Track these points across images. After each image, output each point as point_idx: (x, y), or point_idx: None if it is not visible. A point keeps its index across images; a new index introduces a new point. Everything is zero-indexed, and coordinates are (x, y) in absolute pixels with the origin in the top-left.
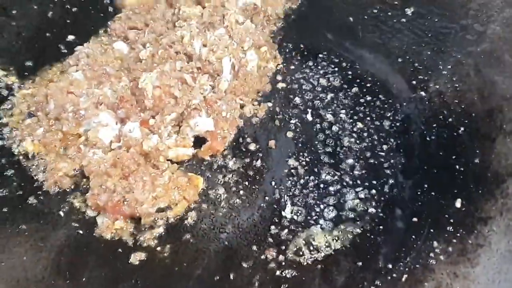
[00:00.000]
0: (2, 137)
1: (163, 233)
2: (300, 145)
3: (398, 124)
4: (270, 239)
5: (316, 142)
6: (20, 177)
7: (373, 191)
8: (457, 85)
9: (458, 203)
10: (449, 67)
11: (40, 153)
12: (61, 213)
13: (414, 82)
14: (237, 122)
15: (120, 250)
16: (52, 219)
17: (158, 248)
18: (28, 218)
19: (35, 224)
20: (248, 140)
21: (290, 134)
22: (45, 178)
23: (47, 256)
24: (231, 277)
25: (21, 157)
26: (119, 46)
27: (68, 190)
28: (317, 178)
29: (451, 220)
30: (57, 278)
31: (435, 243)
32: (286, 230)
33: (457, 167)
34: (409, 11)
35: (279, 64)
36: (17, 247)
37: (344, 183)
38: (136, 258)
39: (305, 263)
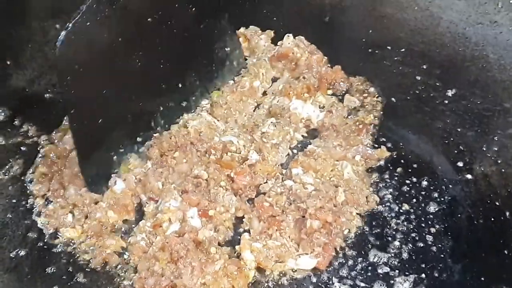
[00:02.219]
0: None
1: None
2: None
3: (444, 206)
4: None
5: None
6: (68, 255)
7: (423, 275)
8: (502, 168)
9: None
10: (494, 149)
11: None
12: None
13: (459, 164)
14: None
15: None
16: None
17: None
18: None
19: None
20: None
21: None
22: (93, 256)
23: None
24: None
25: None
26: None
27: (116, 267)
28: (365, 260)
29: None
30: None
31: None
32: None
33: (506, 252)
34: (450, 93)
35: None
36: None
37: (393, 266)
38: None
39: None
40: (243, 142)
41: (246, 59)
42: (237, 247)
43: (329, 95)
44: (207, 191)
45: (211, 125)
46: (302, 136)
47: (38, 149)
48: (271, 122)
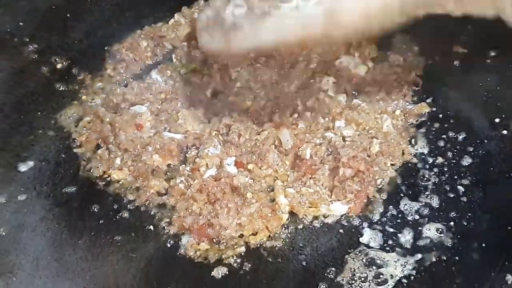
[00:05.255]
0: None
1: (243, 253)
2: None
3: (478, 160)
4: (346, 264)
5: None
6: (115, 194)
7: (451, 223)
8: None
9: None
10: None
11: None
12: (151, 227)
13: (496, 120)
14: None
15: (203, 264)
16: (142, 233)
17: (239, 266)
18: (121, 230)
19: (127, 236)
20: None
21: None
22: (138, 196)
23: (136, 266)
24: None
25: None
26: None
27: (158, 206)
28: (395, 207)
29: None
30: (145, 287)
31: (509, 276)
32: (362, 256)
33: None
34: (492, 53)
35: None
36: (110, 256)
37: (423, 214)
38: (219, 272)
39: None
40: None
41: None
42: (271, 193)
43: (374, 52)
44: (253, 146)
45: None
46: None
47: (92, 98)
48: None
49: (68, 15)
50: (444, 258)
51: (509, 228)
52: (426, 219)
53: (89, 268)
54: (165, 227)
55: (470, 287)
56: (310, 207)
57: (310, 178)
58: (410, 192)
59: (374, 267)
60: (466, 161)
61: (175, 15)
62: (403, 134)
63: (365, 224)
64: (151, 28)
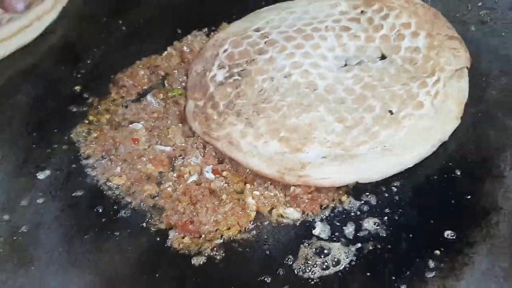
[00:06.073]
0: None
1: (219, 244)
2: None
3: (407, 173)
4: (302, 251)
5: None
6: (115, 196)
7: (385, 218)
8: (459, 137)
9: (450, 230)
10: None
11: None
12: (144, 224)
13: None
14: None
15: (186, 255)
16: (137, 229)
17: (215, 255)
18: (119, 227)
19: (125, 232)
20: None
21: None
22: (134, 198)
23: (131, 257)
24: (269, 280)
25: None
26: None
27: (150, 207)
28: (342, 205)
29: (445, 243)
30: (138, 274)
31: (430, 261)
32: (314, 244)
33: (453, 201)
34: None
35: None
36: (110, 248)
37: (363, 210)
38: (198, 261)
39: (327, 273)
40: None
41: None
42: (242, 195)
43: None
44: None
45: None
46: None
47: (99, 118)
48: None
49: (80, 50)
50: (379, 246)
51: (432, 221)
52: (366, 214)
53: (93, 259)
54: (155, 224)
55: (399, 270)
56: (271, 208)
57: (270, 184)
58: (354, 193)
59: (322, 255)
60: None
61: (168, 48)
62: None
63: (317, 219)
64: (147, 59)
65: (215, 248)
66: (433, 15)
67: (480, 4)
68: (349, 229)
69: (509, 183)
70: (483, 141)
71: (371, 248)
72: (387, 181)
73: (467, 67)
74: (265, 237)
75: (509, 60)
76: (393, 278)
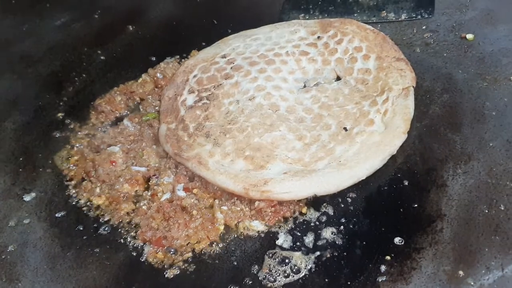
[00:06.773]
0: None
1: (190, 257)
2: None
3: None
4: (266, 261)
5: None
6: (95, 215)
7: (342, 227)
8: (407, 150)
9: (399, 237)
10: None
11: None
12: (122, 240)
13: None
14: None
15: (160, 268)
16: (115, 245)
17: (186, 267)
18: (99, 244)
19: (104, 248)
20: None
21: None
22: (112, 216)
23: (110, 271)
24: None
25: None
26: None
27: (127, 224)
28: (303, 217)
29: (395, 249)
30: (116, 287)
31: (382, 266)
32: (277, 254)
33: (401, 210)
34: None
35: None
36: (90, 264)
37: (322, 221)
38: (171, 273)
39: (289, 280)
40: None
41: None
42: (211, 210)
43: None
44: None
45: None
46: None
47: (80, 142)
48: None
49: (63, 78)
50: (336, 254)
51: (383, 229)
52: (324, 224)
53: (75, 274)
54: (132, 240)
55: (354, 276)
56: (238, 221)
57: (237, 199)
58: (313, 204)
59: (284, 264)
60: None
61: (143, 75)
62: None
63: (281, 230)
64: (124, 85)
65: (187, 261)
66: (382, 39)
67: (424, 27)
68: (309, 239)
69: (451, 192)
70: (427, 153)
71: (328, 255)
72: (342, 193)
73: (413, 86)
74: (233, 248)
75: (451, 78)
76: (349, 283)
